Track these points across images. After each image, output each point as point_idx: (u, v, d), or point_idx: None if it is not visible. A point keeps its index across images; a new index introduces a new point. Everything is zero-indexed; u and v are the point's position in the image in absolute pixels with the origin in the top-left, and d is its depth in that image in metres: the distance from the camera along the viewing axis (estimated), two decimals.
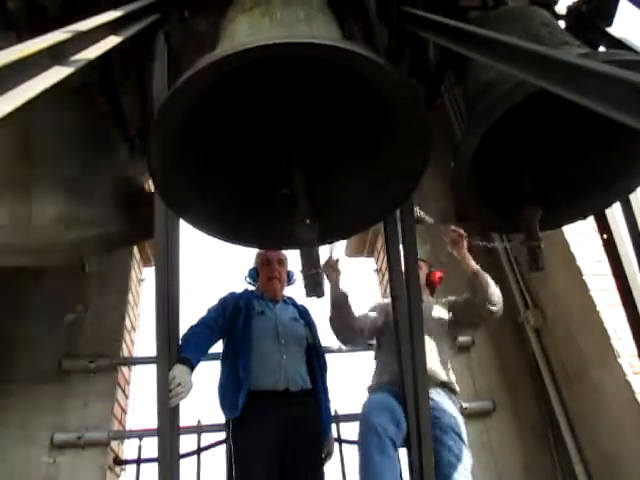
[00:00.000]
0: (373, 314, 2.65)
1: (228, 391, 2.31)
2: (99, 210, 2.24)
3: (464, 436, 2.25)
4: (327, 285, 2.43)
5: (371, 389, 2.44)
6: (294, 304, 2.73)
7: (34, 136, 2.07)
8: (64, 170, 2.13)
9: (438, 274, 2.77)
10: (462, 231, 2.44)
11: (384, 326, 2.56)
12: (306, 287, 1.46)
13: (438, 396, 2.24)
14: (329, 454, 2.51)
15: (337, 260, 2.47)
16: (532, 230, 1.73)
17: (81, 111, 2.16)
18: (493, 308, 2.39)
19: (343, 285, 2.48)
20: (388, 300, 2.79)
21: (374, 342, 2.69)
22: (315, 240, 1.45)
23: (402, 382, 1.90)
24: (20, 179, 2.06)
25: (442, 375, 2.31)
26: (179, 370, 1.91)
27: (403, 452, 2.08)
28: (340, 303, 2.46)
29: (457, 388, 2.42)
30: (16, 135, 2.03)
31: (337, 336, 2.55)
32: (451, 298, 2.66)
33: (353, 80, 1.38)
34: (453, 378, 2.42)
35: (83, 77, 2.09)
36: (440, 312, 2.56)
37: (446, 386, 2.33)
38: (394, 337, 2.39)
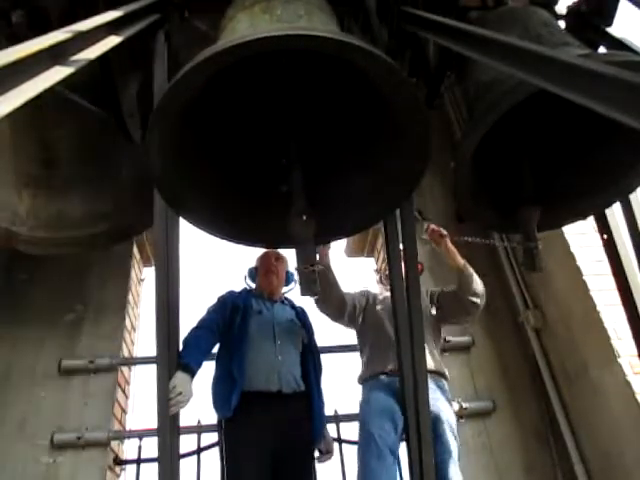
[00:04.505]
0: (358, 295, 2.67)
1: (221, 390, 2.30)
2: (116, 204, 2.43)
3: (454, 425, 2.28)
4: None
5: (366, 381, 2.44)
6: (292, 305, 2.73)
7: (56, 138, 2.25)
8: (86, 168, 2.34)
9: (419, 267, 2.78)
10: (442, 230, 2.51)
11: (366, 311, 2.59)
12: (301, 285, 1.46)
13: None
14: (328, 453, 2.51)
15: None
16: (530, 231, 1.73)
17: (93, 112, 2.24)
18: (476, 300, 2.45)
19: (331, 261, 2.50)
20: (377, 292, 2.80)
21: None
22: (310, 236, 1.45)
23: (402, 381, 1.89)
24: (46, 177, 2.29)
25: (430, 363, 2.29)
26: (180, 379, 1.91)
27: (403, 453, 2.09)
28: (325, 273, 2.44)
29: (447, 372, 2.44)
30: (39, 137, 2.20)
31: (318, 302, 2.54)
32: (434, 289, 2.68)
33: (354, 80, 1.38)
34: (443, 366, 2.44)
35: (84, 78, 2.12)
36: (424, 303, 2.56)
37: (435, 373, 2.33)
38: (381, 326, 2.42)
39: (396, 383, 2.13)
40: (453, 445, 2.20)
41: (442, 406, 2.28)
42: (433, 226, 2.53)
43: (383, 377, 2.34)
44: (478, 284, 2.46)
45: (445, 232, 2.50)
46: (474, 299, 2.44)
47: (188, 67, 1.15)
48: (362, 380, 2.48)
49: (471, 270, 2.46)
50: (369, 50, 1.18)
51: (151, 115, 1.25)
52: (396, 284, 1.87)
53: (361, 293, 2.70)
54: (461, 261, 2.47)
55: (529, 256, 1.73)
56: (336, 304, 2.54)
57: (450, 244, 2.49)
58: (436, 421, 2.17)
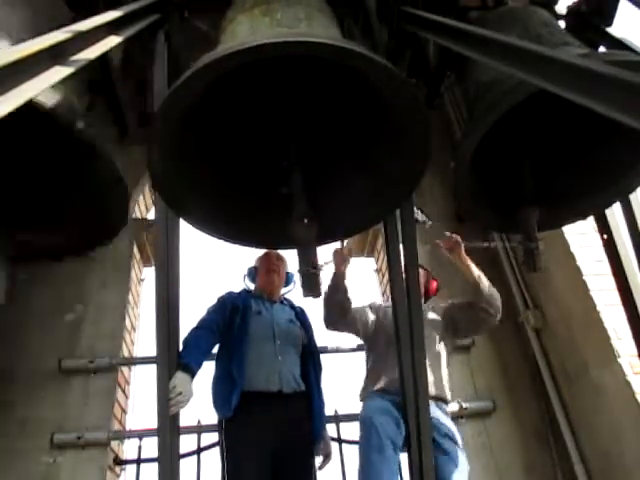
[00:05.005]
0: (368, 311, 2.62)
1: (221, 390, 2.30)
2: None
3: (459, 441, 2.24)
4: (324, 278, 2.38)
5: (366, 397, 2.42)
6: (291, 305, 2.73)
7: None
8: None
9: (435, 284, 2.75)
10: (458, 237, 2.38)
11: (376, 327, 2.55)
12: (303, 286, 1.46)
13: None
14: (327, 456, 2.50)
15: (349, 250, 2.42)
16: (530, 231, 1.73)
17: None
18: (494, 312, 2.36)
19: (346, 276, 2.43)
20: (384, 303, 2.79)
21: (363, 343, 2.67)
22: (312, 239, 1.45)
23: (402, 381, 1.90)
24: None
25: (432, 389, 2.22)
26: (180, 379, 1.91)
27: (404, 455, 2.08)
28: (338, 292, 2.41)
29: (448, 397, 2.39)
30: None
31: (326, 317, 2.48)
32: (444, 304, 2.63)
33: (354, 81, 1.38)
34: (445, 387, 2.39)
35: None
36: (433, 320, 2.51)
37: (435, 398, 2.27)
38: (385, 341, 2.37)
39: (396, 398, 2.12)
40: (460, 458, 2.16)
41: (446, 423, 2.26)
42: (449, 233, 2.40)
43: (381, 394, 2.32)
44: (496, 296, 2.37)
45: (460, 240, 2.36)
46: (492, 311, 2.35)
47: (188, 73, 1.16)
48: (361, 397, 2.46)
49: (487, 281, 2.36)
50: (369, 56, 1.18)
51: (151, 119, 1.25)
52: (396, 284, 1.87)
53: (367, 306, 2.66)
54: (476, 272, 2.35)
55: (530, 256, 1.72)
56: (345, 319, 2.48)
57: (464, 254, 2.36)
58: (441, 438, 2.15)
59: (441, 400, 2.33)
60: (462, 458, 2.18)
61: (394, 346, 2.09)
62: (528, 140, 1.82)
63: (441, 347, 2.49)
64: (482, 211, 1.89)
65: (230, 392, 2.24)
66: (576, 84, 0.86)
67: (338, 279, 2.41)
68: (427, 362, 2.18)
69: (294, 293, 2.79)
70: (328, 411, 2.67)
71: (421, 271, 2.50)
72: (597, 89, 0.81)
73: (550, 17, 1.89)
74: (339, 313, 2.47)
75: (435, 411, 2.19)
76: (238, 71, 1.24)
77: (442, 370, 2.43)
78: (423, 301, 2.59)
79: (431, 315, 2.53)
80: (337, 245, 2.39)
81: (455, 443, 2.20)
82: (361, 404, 2.43)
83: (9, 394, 2.88)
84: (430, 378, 2.21)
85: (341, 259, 2.38)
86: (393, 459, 2.09)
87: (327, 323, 2.52)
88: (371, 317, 2.59)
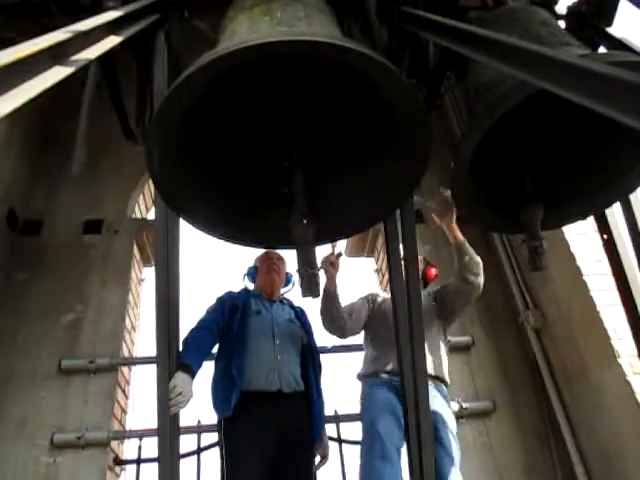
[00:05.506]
0: (359, 307, 2.63)
1: (221, 390, 2.31)
2: None
3: (454, 430, 2.26)
4: (323, 279, 2.39)
5: (367, 378, 2.43)
6: (291, 305, 2.74)
7: None
8: None
9: (434, 271, 2.77)
10: (449, 197, 2.33)
11: (371, 316, 2.57)
12: (302, 286, 1.46)
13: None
14: (324, 457, 2.50)
15: (338, 255, 2.41)
16: (534, 229, 1.73)
17: None
18: (474, 278, 2.41)
19: (337, 282, 2.44)
20: (381, 294, 2.79)
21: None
22: (312, 239, 1.45)
23: (402, 382, 1.89)
24: None
25: (429, 367, 2.26)
26: (180, 379, 1.91)
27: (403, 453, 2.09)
28: (331, 299, 2.42)
29: (447, 379, 2.42)
30: None
31: (324, 325, 2.51)
32: (437, 288, 2.66)
33: (354, 80, 1.38)
34: (444, 369, 2.42)
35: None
36: (428, 304, 2.53)
37: (434, 378, 2.31)
38: (385, 325, 2.39)
39: (396, 381, 2.13)
40: (454, 448, 2.19)
41: (442, 410, 2.28)
42: (442, 189, 2.40)
43: (383, 375, 2.34)
44: (477, 262, 2.42)
45: (450, 200, 2.34)
46: (472, 277, 2.40)
47: (187, 72, 1.15)
48: (362, 377, 2.47)
49: (469, 248, 2.43)
50: (369, 54, 1.18)
51: (151, 118, 1.25)
52: (396, 284, 1.87)
53: (364, 299, 2.68)
54: (461, 238, 2.42)
55: (534, 255, 1.72)
56: (339, 328, 2.50)
57: (454, 220, 2.42)
58: (436, 425, 2.17)
59: (439, 380, 2.36)
60: (455, 447, 2.20)
61: (388, 330, 2.11)
62: (528, 140, 1.82)
63: (436, 334, 2.51)
64: (482, 211, 1.89)
65: (230, 392, 2.24)
66: (576, 84, 0.86)
67: (330, 294, 2.40)
68: (427, 350, 2.17)
69: (294, 293, 2.80)
70: (328, 411, 2.67)
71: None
72: (597, 89, 0.81)
73: (550, 17, 1.89)
74: (339, 331, 2.50)
75: (433, 396, 2.18)
76: (238, 70, 1.24)
77: (440, 352, 2.45)
78: (422, 286, 2.62)
79: (426, 304, 2.53)
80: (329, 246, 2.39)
81: (450, 431, 2.22)
82: (360, 384, 2.44)
83: (9, 394, 2.88)
84: (428, 358, 2.24)
85: (331, 265, 2.36)
86: (397, 465, 2.10)
87: (328, 331, 2.54)
88: (364, 308, 2.61)
